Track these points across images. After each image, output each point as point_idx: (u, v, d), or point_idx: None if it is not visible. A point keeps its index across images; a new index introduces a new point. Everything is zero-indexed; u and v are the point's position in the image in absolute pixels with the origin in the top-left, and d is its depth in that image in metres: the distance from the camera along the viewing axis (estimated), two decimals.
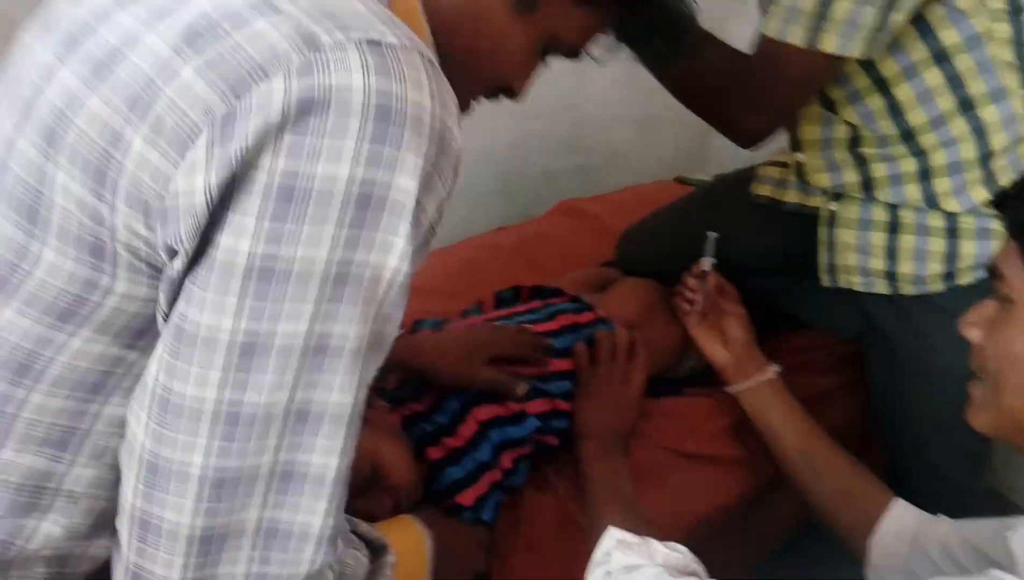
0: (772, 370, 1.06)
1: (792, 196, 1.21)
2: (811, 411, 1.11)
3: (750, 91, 0.99)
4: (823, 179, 1.13)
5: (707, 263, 1.09)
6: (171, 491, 0.49)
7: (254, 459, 0.49)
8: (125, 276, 0.51)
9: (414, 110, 0.48)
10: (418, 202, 0.49)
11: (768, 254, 1.23)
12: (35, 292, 0.51)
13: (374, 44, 0.48)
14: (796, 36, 0.92)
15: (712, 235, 1.10)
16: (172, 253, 0.49)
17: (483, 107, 0.71)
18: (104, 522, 0.55)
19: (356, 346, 0.50)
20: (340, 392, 0.50)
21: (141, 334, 0.53)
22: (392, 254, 0.49)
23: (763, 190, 1.24)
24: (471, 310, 1.20)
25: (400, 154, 0.47)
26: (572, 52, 0.70)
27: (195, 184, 0.47)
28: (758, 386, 1.05)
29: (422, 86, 0.49)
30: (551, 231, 1.54)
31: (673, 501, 1.01)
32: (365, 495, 0.82)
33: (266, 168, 0.46)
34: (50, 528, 0.54)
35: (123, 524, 0.51)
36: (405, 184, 0.48)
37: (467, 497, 0.87)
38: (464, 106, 0.69)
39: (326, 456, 0.51)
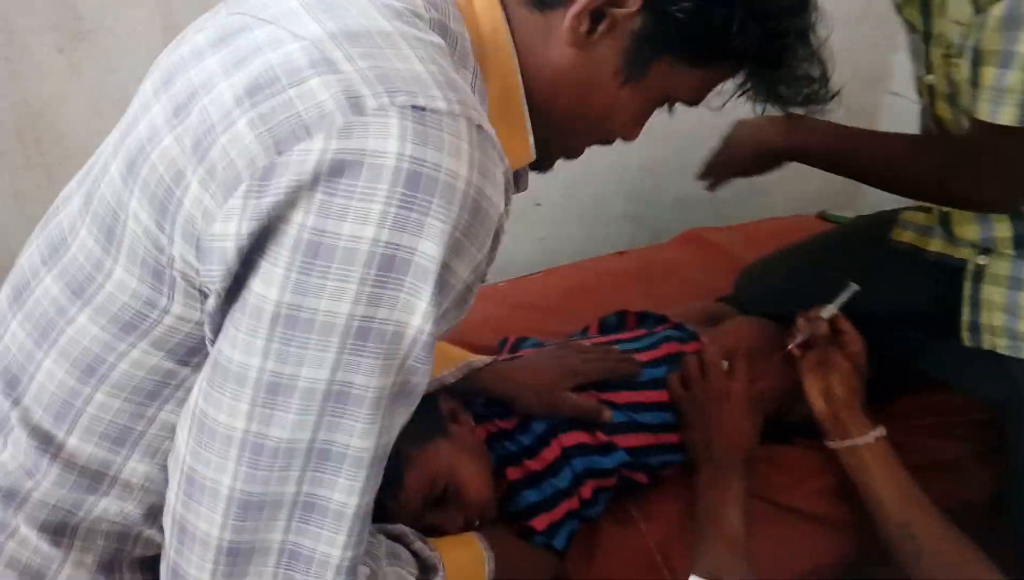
0: (873, 434, 0.97)
1: (936, 245, 1.13)
2: (937, 480, 1.02)
3: (976, 174, 0.95)
4: (971, 231, 1.04)
5: (827, 310, 1.01)
6: (204, 504, 0.53)
7: (277, 487, 0.52)
8: (181, 300, 0.55)
9: (446, 178, 0.49)
10: (446, 266, 0.50)
11: (905, 305, 1.15)
12: (104, 303, 0.57)
13: (418, 110, 0.49)
14: (1008, 116, 0.87)
15: (852, 287, 1.02)
16: (209, 290, 0.53)
17: None
18: (155, 514, 0.59)
19: (377, 396, 0.51)
20: (361, 438, 0.52)
21: (194, 352, 0.57)
22: (415, 314, 0.50)
23: (904, 236, 1.16)
24: (576, 335, 1.19)
25: (427, 220, 0.49)
26: (691, 104, 0.67)
27: (229, 230, 0.50)
28: (858, 448, 0.97)
29: (460, 154, 0.50)
30: (673, 259, 1.50)
31: (766, 556, 0.95)
32: (437, 509, 0.83)
33: (297, 223, 0.49)
34: (106, 508, 0.59)
35: (167, 523, 0.55)
36: (429, 249, 0.49)
37: (541, 522, 0.86)
38: (575, 154, 0.70)
39: (347, 495, 0.53)
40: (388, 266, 0.49)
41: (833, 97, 0.65)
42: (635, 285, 1.42)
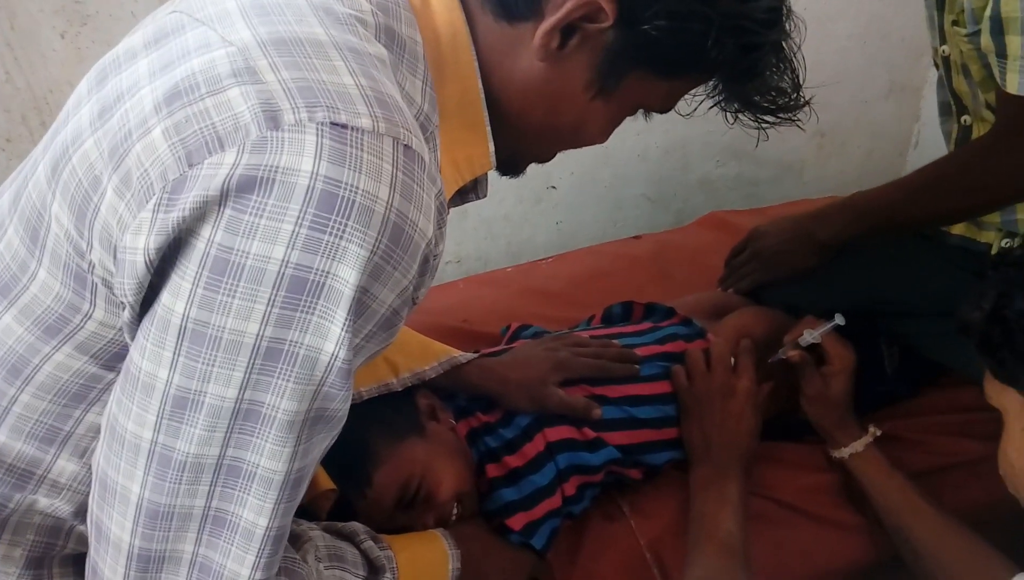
0: (862, 442, 0.95)
1: (958, 228, 1.06)
2: (963, 479, 0.99)
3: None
4: (992, 214, 0.97)
5: (804, 339, 0.97)
6: (116, 509, 0.52)
7: (186, 500, 0.51)
8: (103, 306, 0.54)
9: (363, 200, 0.47)
10: (364, 291, 0.48)
11: (929, 295, 1.08)
12: (29, 304, 0.56)
13: (338, 127, 0.47)
14: None
15: (837, 320, 0.97)
16: (124, 302, 0.51)
17: None
18: (85, 511, 0.58)
19: (289, 419, 0.50)
20: (270, 458, 0.50)
21: (119, 358, 0.55)
22: (328, 339, 0.48)
23: None
24: (579, 326, 1.15)
25: (341, 243, 0.47)
26: (663, 112, 0.66)
27: (138, 244, 0.48)
28: (847, 458, 0.96)
29: (380, 176, 0.47)
30: (692, 244, 1.44)
31: (767, 559, 0.91)
32: (409, 510, 0.81)
33: (205, 238, 0.47)
34: (36, 505, 0.58)
35: (88, 522, 0.55)
36: (343, 273, 0.47)
37: (517, 521, 0.83)
38: (546, 159, 0.70)
39: (256, 514, 0.51)
40: (298, 288, 0.47)
41: (805, 105, 0.63)
42: (650, 270, 1.37)
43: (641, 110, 0.65)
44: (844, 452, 0.95)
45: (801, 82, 0.62)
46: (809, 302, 1.09)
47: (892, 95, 1.83)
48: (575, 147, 0.68)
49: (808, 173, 1.85)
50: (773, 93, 0.61)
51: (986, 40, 0.84)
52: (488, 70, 0.60)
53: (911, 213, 1.00)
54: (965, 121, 1.02)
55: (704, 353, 0.98)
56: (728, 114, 0.63)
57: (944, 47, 0.96)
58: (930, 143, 1.89)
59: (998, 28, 0.81)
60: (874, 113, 1.83)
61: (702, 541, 0.86)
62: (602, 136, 0.66)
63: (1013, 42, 0.80)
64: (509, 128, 0.63)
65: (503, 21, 0.58)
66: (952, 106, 1.03)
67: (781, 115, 0.62)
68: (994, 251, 0.99)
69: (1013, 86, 0.82)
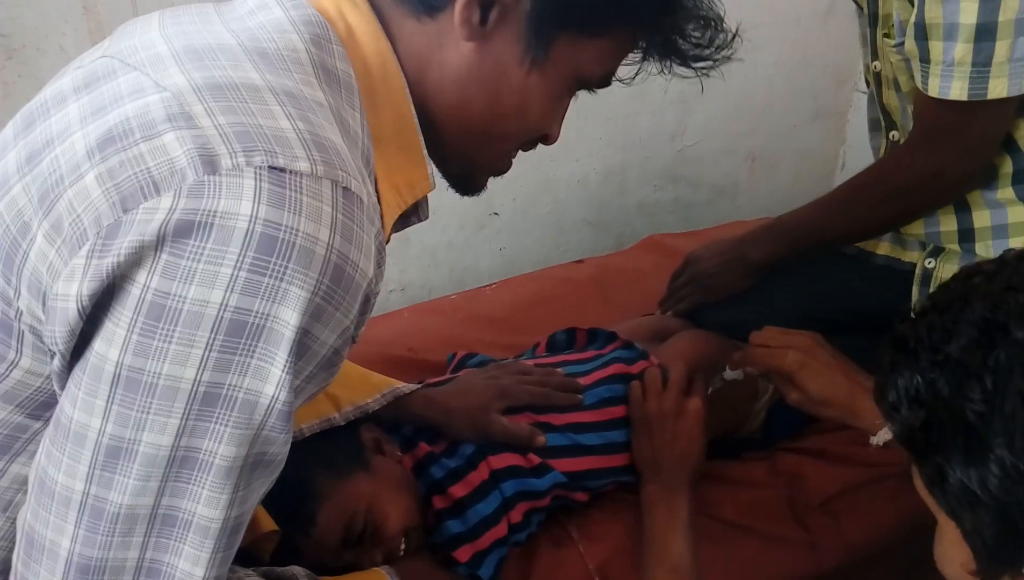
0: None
1: (884, 248, 1.10)
2: (896, 489, 1.00)
3: (947, 150, 0.92)
4: (916, 225, 1.01)
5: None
6: (44, 565, 0.50)
7: (119, 553, 0.49)
8: (30, 354, 0.53)
9: (304, 242, 0.47)
10: (305, 332, 0.48)
11: (857, 313, 1.12)
12: None
13: (276, 171, 0.47)
14: (959, 91, 0.84)
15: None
16: (54, 350, 0.50)
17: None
18: (7, 572, 0.56)
19: (228, 466, 0.49)
20: (207, 506, 0.49)
21: (47, 406, 0.54)
22: (268, 382, 0.48)
23: None
24: (525, 354, 1.15)
25: (282, 285, 0.47)
26: (603, 82, 0.65)
27: (70, 291, 0.48)
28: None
29: (320, 218, 0.48)
30: (632, 267, 1.47)
31: (710, 575, 0.92)
32: (356, 547, 0.80)
33: (140, 283, 0.46)
34: None
35: None
36: (284, 315, 0.47)
37: (464, 553, 0.83)
38: (502, 166, 0.68)
39: (192, 564, 0.50)
40: (237, 332, 0.47)
41: (733, 38, 0.63)
42: (592, 294, 1.39)
43: (584, 86, 0.65)
44: (886, 435, 0.78)
45: (721, 15, 0.62)
46: (746, 322, 1.11)
47: (818, 120, 1.90)
48: (525, 138, 0.66)
49: (741, 196, 1.91)
50: (696, 32, 0.61)
51: (910, 45, 0.87)
52: (420, 75, 0.60)
53: (836, 227, 1.03)
54: (893, 136, 1.07)
55: (663, 373, 0.99)
56: (665, 71, 0.63)
57: (876, 63, 1.00)
58: (856, 165, 1.96)
59: (922, 34, 0.85)
60: (802, 137, 1.90)
61: (653, 565, 0.86)
62: (549, 118, 0.65)
63: (935, 47, 0.84)
64: (455, 134, 0.63)
65: (424, 17, 0.59)
66: (881, 122, 1.08)
67: (712, 56, 0.62)
68: (918, 270, 1.03)
69: (934, 89, 0.85)
